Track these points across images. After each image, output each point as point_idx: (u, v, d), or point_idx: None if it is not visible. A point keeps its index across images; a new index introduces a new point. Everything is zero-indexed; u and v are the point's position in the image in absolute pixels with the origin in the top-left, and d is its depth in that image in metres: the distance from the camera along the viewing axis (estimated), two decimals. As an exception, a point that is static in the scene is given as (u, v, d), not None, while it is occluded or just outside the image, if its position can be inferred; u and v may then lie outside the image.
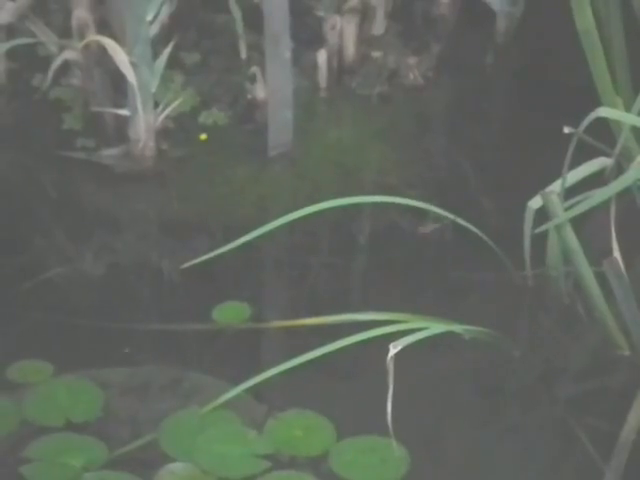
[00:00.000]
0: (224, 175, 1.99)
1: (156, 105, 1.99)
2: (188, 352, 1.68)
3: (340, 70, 2.16)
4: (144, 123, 1.94)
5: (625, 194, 1.65)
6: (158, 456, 1.51)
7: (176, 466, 1.46)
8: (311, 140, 2.05)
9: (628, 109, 1.72)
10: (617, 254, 1.62)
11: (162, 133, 2.01)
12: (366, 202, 1.83)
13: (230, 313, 1.72)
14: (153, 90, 1.94)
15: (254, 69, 2.06)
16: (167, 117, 2.01)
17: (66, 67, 2.05)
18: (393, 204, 1.72)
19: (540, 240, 1.71)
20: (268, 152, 2.00)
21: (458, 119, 2.12)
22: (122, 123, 2.00)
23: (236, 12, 2.08)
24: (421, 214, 1.80)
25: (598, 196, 1.61)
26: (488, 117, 2.14)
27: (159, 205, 1.94)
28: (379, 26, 2.18)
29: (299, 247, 1.86)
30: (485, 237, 1.71)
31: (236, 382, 1.55)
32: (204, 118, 2.07)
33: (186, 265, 1.67)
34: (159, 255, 1.85)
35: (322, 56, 2.11)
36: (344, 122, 2.09)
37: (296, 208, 1.63)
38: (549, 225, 1.63)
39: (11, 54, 2.08)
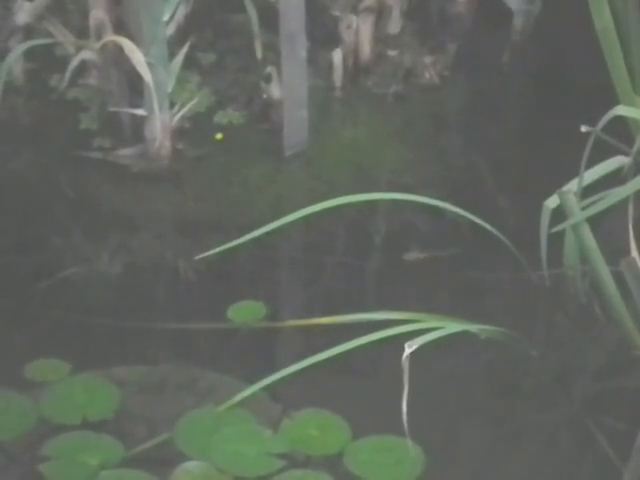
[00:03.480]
0: (240, 175, 1.98)
1: (172, 105, 1.99)
2: (204, 351, 1.67)
3: (356, 69, 2.15)
4: (160, 123, 1.94)
5: (643, 193, 1.68)
6: (174, 454, 1.51)
7: (192, 464, 1.46)
8: (326, 139, 2.04)
9: (646, 108, 1.73)
10: (635, 253, 1.59)
11: (178, 133, 2.00)
12: (382, 201, 1.83)
13: (245, 312, 1.71)
14: (169, 90, 1.94)
15: (270, 69, 2.06)
16: (183, 117, 2.01)
17: (83, 67, 2.06)
18: (409, 203, 1.71)
19: (557, 239, 1.69)
20: (284, 151, 2.00)
21: (474, 118, 2.10)
22: (138, 123, 2.00)
23: (252, 12, 2.08)
24: (437, 213, 1.78)
25: (615, 195, 1.59)
26: (504, 116, 2.13)
27: (175, 204, 1.93)
28: (395, 25, 2.17)
29: (314, 246, 1.86)
30: (502, 236, 1.70)
31: (252, 381, 1.55)
32: (220, 118, 2.07)
33: (199, 257, 1.66)
34: (175, 254, 1.84)
35: (338, 55, 2.11)
36: (360, 121, 2.08)
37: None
38: (566, 224, 1.61)
39: (29, 54, 2.08)
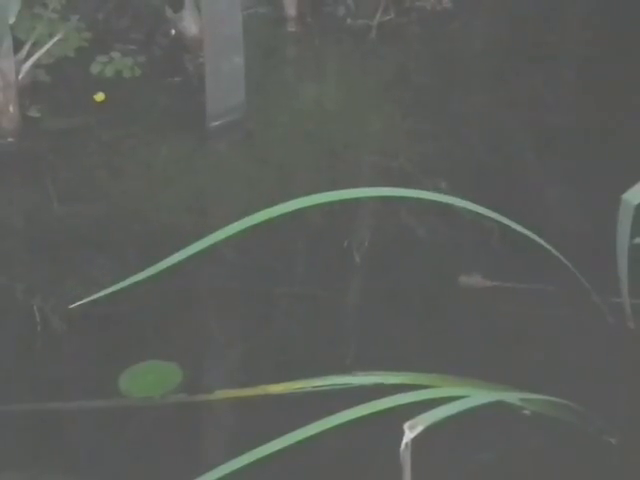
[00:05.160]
0: (135, 160, 1.93)
1: (18, 45, 1.93)
2: (80, 447, 1.62)
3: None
4: None
5: None
6: None
7: None
8: (275, 102, 2.00)
9: None
10: None
11: (30, 91, 1.97)
12: (364, 199, 1.81)
13: (148, 380, 1.69)
14: (11, 20, 1.87)
15: (182, -12, 2.00)
16: (38, 65, 1.96)
17: None
18: (405, 201, 1.67)
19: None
20: (207, 122, 1.96)
21: (506, 64, 2.06)
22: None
23: None
24: (449, 214, 1.74)
25: None
26: (550, 60, 2.09)
27: (30, 209, 1.88)
28: None
29: (257, 272, 1.81)
30: (552, 249, 1.65)
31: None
32: (100, 67, 2.02)
33: (74, 306, 1.62)
34: (31, 295, 1.77)
35: (291, -33, 2.03)
36: (327, 72, 2.05)
37: (249, 212, 1.53)
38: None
39: None
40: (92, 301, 1.62)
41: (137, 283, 1.55)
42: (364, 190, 1.75)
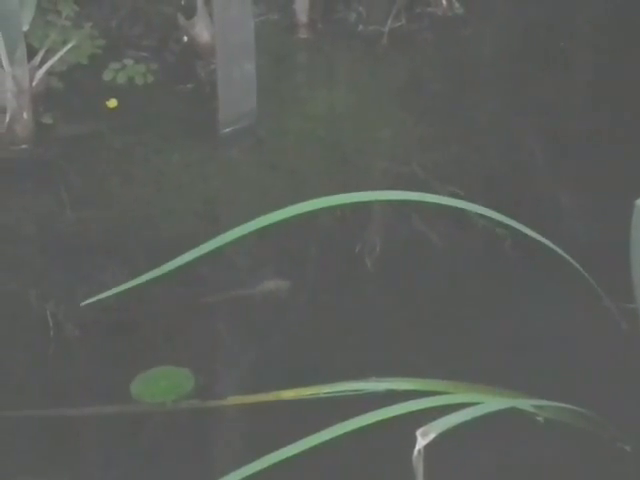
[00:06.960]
0: (147, 166, 1.95)
1: (32, 52, 1.94)
2: (90, 455, 1.62)
3: (331, -4, 2.10)
4: (12, 82, 1.89)
5: None
6: None
7: None
8: (286, 108, 2.02)
9: None
10: None
11: (43, 98, 1.99)
12: (375, 203, 1.82)
13: (161, 385, 1.70)
14: (25, 27, 1.88)
15: (193, -6, 2.01)
16: (51, 72, 1.97)
17: None
18: (418, 206, 1.63)
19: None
20: (219, 128, 1.97)
21: (518, 71, 2.07)
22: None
23: None
24: (462, 220, 1.76)
25: None
26: (564, 66, 2.10)
27: (44, 216, 1.89)
28: None
29: (269, 278, 1.81)
30: (566, 256, 1.64)
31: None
32: (113, 74, 2.03)
33: (85, 303, 1.60)
34: (45, 298, 1.77)
35: (301, -26, 2.04)
36: (338, 78, 2.06)
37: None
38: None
39: None
40: (105, 307, 1.62)
41: (150, 289, 1.54)
42: (374, 193, 1.74)
